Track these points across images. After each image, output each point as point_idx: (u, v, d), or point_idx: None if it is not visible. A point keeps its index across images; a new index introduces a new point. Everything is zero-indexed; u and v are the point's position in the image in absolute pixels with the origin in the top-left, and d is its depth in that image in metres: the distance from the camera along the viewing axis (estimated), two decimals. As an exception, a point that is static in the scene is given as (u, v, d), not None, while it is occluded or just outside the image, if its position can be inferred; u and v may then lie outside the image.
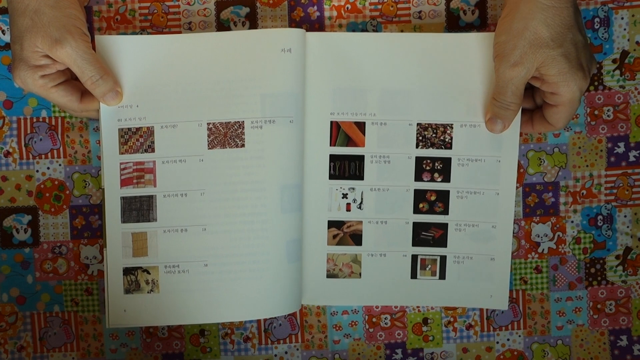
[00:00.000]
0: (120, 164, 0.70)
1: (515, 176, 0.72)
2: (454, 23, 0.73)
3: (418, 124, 0.71)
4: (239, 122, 0.69)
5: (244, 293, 0.70)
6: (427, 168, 0.72)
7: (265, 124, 0.69)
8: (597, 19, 0.73)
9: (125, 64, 0.69)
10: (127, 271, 0.70)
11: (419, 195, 0.72)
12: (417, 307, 0.75)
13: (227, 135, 0.69)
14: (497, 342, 0.76)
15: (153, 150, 0.70)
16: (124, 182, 0.70)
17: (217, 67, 0.69)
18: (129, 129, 0.70)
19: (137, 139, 0.70)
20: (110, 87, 0.68)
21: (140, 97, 0.70)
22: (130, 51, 0.69)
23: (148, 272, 0.70)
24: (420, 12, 0.73)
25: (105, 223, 0.70)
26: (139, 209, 0.70)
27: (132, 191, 0.70)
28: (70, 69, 0.66)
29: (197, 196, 0.70)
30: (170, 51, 0.69)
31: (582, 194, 0.75)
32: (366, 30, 0.73)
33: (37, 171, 0.73)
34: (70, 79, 0.68)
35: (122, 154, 0.70)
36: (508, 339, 0.76)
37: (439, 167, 0.72)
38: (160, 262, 0.70)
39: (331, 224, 0.73)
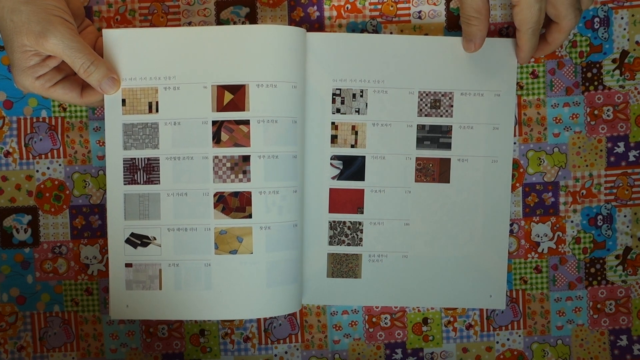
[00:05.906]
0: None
1: (510, 177, 0.72)
2: (453, 23, 0.73)
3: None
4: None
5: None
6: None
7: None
8: (597, 19, 0.73)
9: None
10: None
11: (419, 195, 0.72)
12: (417, 307, 0.75)
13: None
14: (497, 342, 0.76)
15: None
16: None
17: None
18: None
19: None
20: (104, 73, 0.67)
21: None
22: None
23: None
24: (420, 12, 0.73)
25: (107, 220, 0.70)
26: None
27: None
28: (62, 59, 0.65)
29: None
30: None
31: (582, 193, 0.75)
32: (366, 30, 0.73)
33: (37, 171, 0.73)
34: (68, 76, 0.68)
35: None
36: (508, 339, 0.75)
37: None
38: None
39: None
